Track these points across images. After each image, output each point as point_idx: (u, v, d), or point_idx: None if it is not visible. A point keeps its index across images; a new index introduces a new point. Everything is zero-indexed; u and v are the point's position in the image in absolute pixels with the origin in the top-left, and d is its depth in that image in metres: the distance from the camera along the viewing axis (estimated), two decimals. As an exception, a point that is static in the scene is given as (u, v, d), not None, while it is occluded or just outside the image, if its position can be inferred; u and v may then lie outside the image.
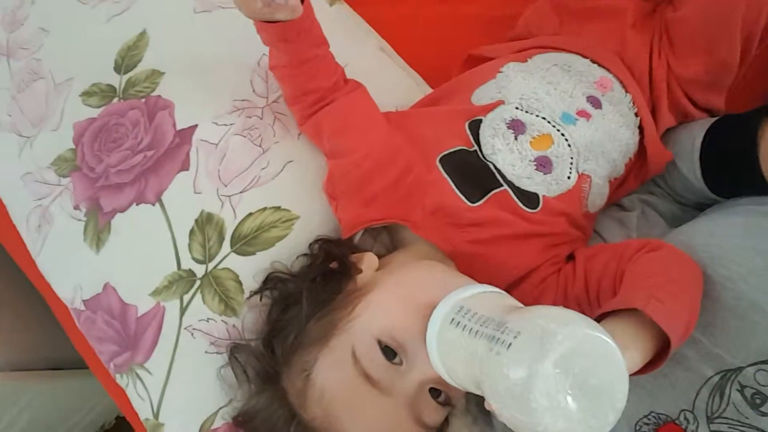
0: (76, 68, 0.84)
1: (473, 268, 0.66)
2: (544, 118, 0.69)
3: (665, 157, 0.75)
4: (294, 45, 0.67)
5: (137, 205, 0.76)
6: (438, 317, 0.51)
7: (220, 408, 0.70)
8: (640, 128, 0.74)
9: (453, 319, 0.49)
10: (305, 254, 0.72)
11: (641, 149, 0.75)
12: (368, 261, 0.66)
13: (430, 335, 0.51)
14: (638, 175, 0.77)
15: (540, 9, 0.83)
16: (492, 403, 0.45)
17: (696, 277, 0.59)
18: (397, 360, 0.56)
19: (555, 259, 0.68)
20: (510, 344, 0.42)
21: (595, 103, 0.72)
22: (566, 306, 0.64)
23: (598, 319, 0.55)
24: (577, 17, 0.80)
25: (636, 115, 0.74)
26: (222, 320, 0.71)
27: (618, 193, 0.77)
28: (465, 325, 0.48)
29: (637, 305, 0.52)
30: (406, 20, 0.96)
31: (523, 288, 0.67)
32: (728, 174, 0.71)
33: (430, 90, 0.88)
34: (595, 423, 0.42)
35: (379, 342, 0.56)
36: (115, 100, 0.81)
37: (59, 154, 0.81)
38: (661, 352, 0.53)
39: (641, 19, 0.78)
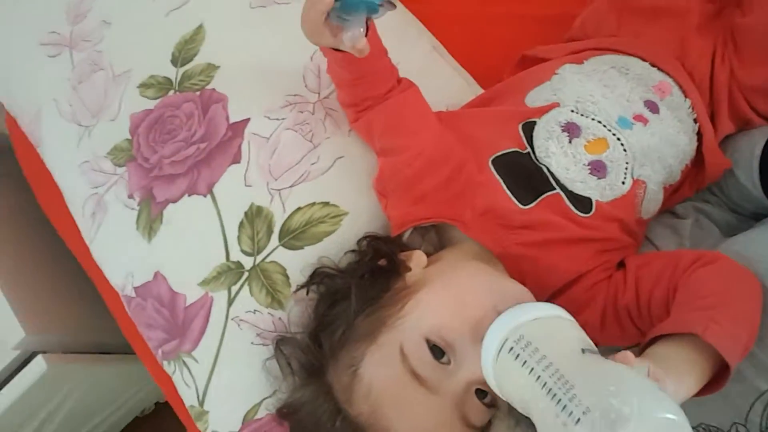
0: (135, 60, 0.86)
1: (522, 271, 0.65)
2: (599, 122, 0.68)
3: (723, 165, 0.73)
4: (355, 65, 0.67)
5: (189, 196, 0.77)
6: (495, 339, 0.50)
7: (264, 399, 0.71)
8: (699, 134, 0.73)
9: (512, 349, 0.48)
10: (353, 250, 0.72)
11: (698, 156, 0.73)
12: (417, 259, 0.66)
13: (485, 355, 0.50)
14: (694, 182, 0.75)
15: (598, 9, 0.82)
16: None
17: (755, 292, 0.58)
18: (445, 359, 0.56)
19: (606, 265, 0.67)
20: (578, 419, 0.40)
21: (653, 107, 0.70)
22: (617, 316, 0.63)
23: (653, 340, 0.54)
24: (637, 17, 0.78)
25: (695, 120, 0.72)
26: (268, 312, 0.72)
27: (672, 199, 0.75)
28: (525, 361, 0.46)
29: (696, 330, 0.51)
30: (459, 19, 0.96)
31: (573, 292, 0.66)
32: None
33: (481, 91, 0.87)
34: None
35: (428, 341, 0.56)
36: (171, 92, 0.83)
37: (116, 144, 0.83)
38: (718, 372, 0.51)
39: (705, 21, 0.76)
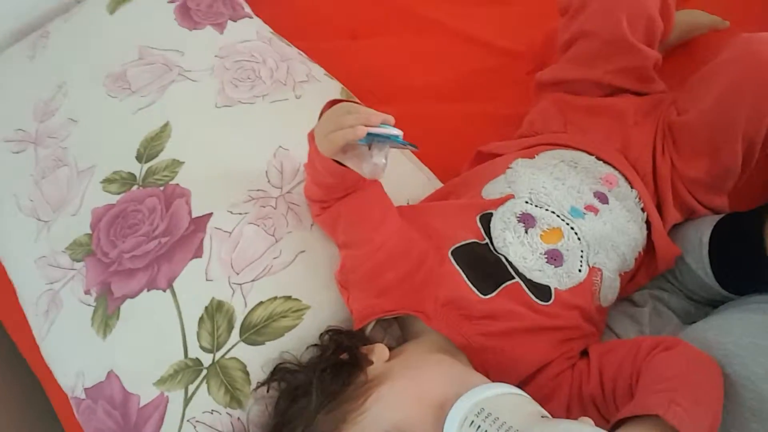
0: (100, 156, 0.87)
1: (486, 362, 0.65)
2: (553, 212, 0.71)
3: (673, 252, 0.75)
4: (348, 179, 0.69)
5: (148, 291, 0.76)
6: (456, 416, 0.50)
7: (221, 508, 0.67)
8: (648, 223, 0.76)
9: (473, 422, 0.48)
10: (315, 345, 0.71)
11: (650, 244, 0.76)
12: (379, 353, 0.65)
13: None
14: (648, 270, 0.77)
15: (545, 108, 0.87)
16: None
17: (715, 377, 0.58)
18: (407, 456, 0.54)
19: (568, 354, 0.67)
20: None
21: (602, 198, 0.74)
22: (582, 405, 0.63)
23: (617, 425, 0.54)
24: (580, 115, 0.84)
25: (642, 210, 0.75)
26: (227, 412, 0.69)
27: (629, 287, 0.77)
28: (486, 430, 0.46)
29: (658, 411, 0.51)
30: (418, 117, 1.00)
31: (537, 383, 0.66)
32: (738, 270, 0.71)
33: (440, 185, 0.90)
34: None
35: (390, 436, 0.54)
36: (135, 187, 0.83)
37: (75, 239, 0.82)
38: None
39: (642, 117, 0.82)
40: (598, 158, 0.78)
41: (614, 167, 0.77)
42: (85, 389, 0.75)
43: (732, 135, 0.74)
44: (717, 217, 0.76)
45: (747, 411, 0.58)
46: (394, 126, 0.64)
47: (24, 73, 1.00)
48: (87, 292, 0.79)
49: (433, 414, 0.53)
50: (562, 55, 0.89)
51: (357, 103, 0.68)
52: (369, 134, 0.62)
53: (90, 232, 0.82)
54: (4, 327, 0.97)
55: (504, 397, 0.51)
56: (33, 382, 0.91)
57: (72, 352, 0.79)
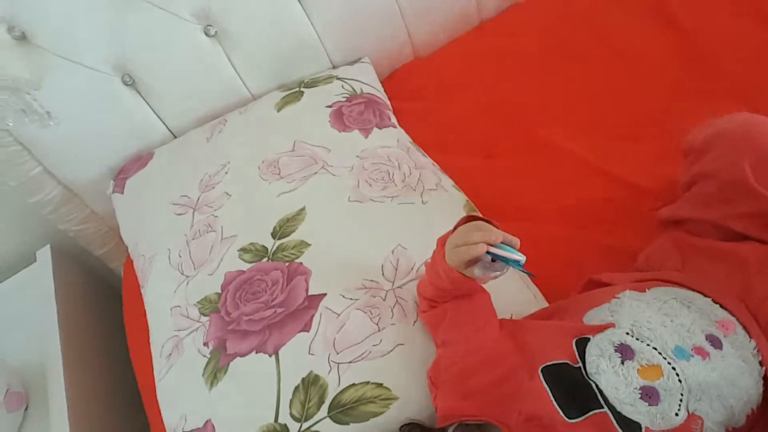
0: (242, 228, 0.99)
1: (562, 489, 0.63)
2: (654, 348, 0.69)
3: (795, 417, 0.69)
4: (464, 286, 0.75)
5: (256, 353, 0.83)
6: None
7: None
8: (766, 379, 0.70)
9: None
10: (395, 434, 0.73)
11: (767, 403, 0.70)
12: (454, 452, 0.65)
13: None
14: (765, 430, 0.71)
15: (662, 245, 0.86)
16: None
17: None
18: None
19: (654, 501, 0.62)
20: None
21: (716, 342, 0.70)
22: None
23: None
24: (699, 256, 0.81)
25: (761, 363, 0.70)
26: (304, 481, 0.72)
27: (740, 447, 0.71)
28: None
29: None
30: (536, 238, 1.02)
31: None
32: None
33: (546, 305, 0.91)
34: None
35: None
36: (265, 259, 0.93)
37: (207, 295, 0.93)
38: None
39: (766, 267, 0.78)
40: (715, 301, 0.75)
41: (732, 313, 0.74)
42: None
43: None
44: None
45: None
46: (519, 249, 0.68)
47: (199, 151, 1.18)
48: (206, 344, 0.88)
49: None
50: (683, 193, 0.89)
51: (488, 221, 0.73)
52: (490, 253, 0.67)
53: (220, 291, 0.92)
54: (133, 367, 1.09)
55: None
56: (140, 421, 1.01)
57: (181, 395, 0.87)
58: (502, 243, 0.68)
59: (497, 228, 0.71)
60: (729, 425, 0.68)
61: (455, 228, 0.74)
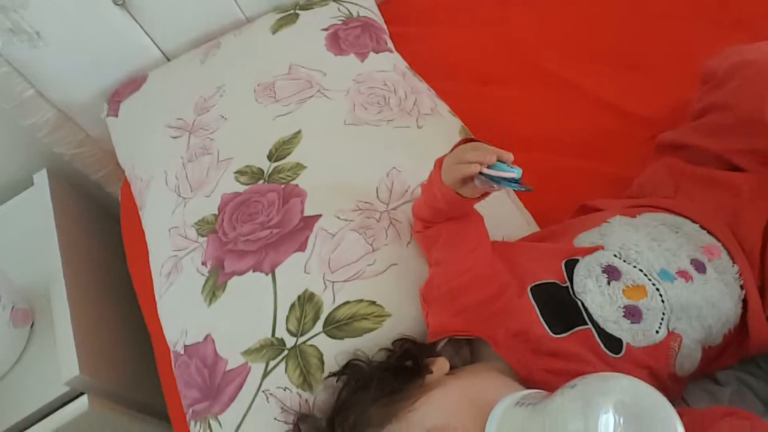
0: (238, 151, 0.99)
1: (544, 400, 0.66)
2: (641, 270, 0.71)
3: (769, 338, 0.72)
4: (459, 207, 0.75)
5: (253, 272, 0.85)
6: (503, 403, 0.53)
7: (273, 476, 0.73)
8: (745, 302, 0.73)
9: (518, 402, 0.51)
10: (386, 349, 0.76)
11: (744, 324, 0.73)
12: (440, 364, 0.69)
13: (492, 415, 0.53)
14: (738, 351, 0.74)
15: (656, 171, 0.87)
16: None
17: None
18: (446, 457, 0.57)
19: (631, 411, 0.66)
20: (575, 385, 0.44)
21: (699, 267, 0.72)
22: None
23: None
24: (693, 184, 0.82)
25: (741, 287, 0.73)
26: (297, 392, 0.76)
27: (714, 365, 0.74)
28: (530, 403, 0.50)
29: None
30: (531, 167, 1.02)
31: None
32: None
33: (538, 230, 0.93)
34: None
35: (432, 436, 0.57)
36: (261, 181, 0.94)
37: (204, 216, 0.94)
38: None
39: (760, 195, 0.78)
40: (703, 227, 0.77)
41: (718, 239, 0.76)
42: (185, 346, 0.85)
43: None
44: (824, 309, 0.72)
45: None
46: (513, 164, 0.67)
47: (193, 74, 1.16)
48: (204, 263, 0.90)
49: (480, 417, 0.55)
50: (692, 121, 0.89)
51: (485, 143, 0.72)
52: (484, 174, 0.67)
53: (217, 213, 0.94)
54: (134, 287, 1.12)
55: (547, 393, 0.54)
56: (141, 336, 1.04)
57: (181, 312, 0.90)
58: (497, 161, 0.67)
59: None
60: (706, 344, 0.71)
61: (452, 149, 0.74)
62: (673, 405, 0.71)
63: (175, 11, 1.22)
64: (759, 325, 0.72)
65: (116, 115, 1.20)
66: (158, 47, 1.25)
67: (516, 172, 0.66)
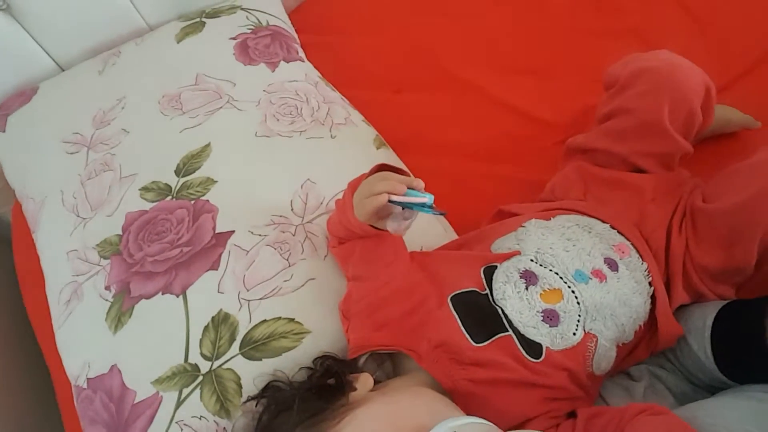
0: (142, 166, 0.94)
1: (469, 408, 0.65)
2: (556, 273, 0.72)
3: (676, 331, 0.75)
4: (376, 237, 0.75)
5: (162, 294, 0.80)
6: None
7: None
8: (653, 298, 0.76)
9: None
10: (307, 367, 0.73)
11: (653, 320, 0.76)
12: (364, 380, 0.67)
13: None
14: (649, 346, 0.77)
15: (567, 175, 0.89)
16: None
17: None
18: (372, 480, 0.55)
19: (554, 413, 0.67)
20: None
21: (612, 265, 0.74)
22: None
23: None
24: (600, 186, 0.85)
25: (650, 284, 0.76)
26: (214, 420, 0.72)
27: (627, 361, 0.77)
28: None
29: None
30: (445, 172, 1.04)
31: (518, 438, 0.65)
32: (739, 357, 0.71)
33: (455, 237, 0.93)
34: None
35: (358, 458, 0.56)
36: (169, 197, 0.89)
37: (106, 238, 0.88)
38: None
39: (661, 195, 0.82)
40: (612, 227, 0.79)
41: (627, 238, 0.78)
42: (88, 379, 0.79)
43: (751, 237, 0.73)
44: (723, 302, 0.76)
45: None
46: (424, 190, 0.67)
47: (91, 85, 1.09)
48: (107, 288, 0.83)
49: None
50: (598, 125, 0.92)
51: (399, 170, 0.72)
52: (393, 202, 0.66)
53: (121, 233, 0.88)
54: (29, 318, 1.02)
55: (475, 425, 0.53)
56: (41, 372, 0.96)
57: (83, 342, 0.83)
58: (408, 189, 0.67)
59: (409, 175, 0.71)
60: (620, 341, 0.73)
61: (367, 175, 0.72)
62: (592, 403, 0.74)
63: (66, 17, 1.14)
64: (666, 321, 0.75)
65: (3, 130, 1.10)
66: (50, 56, 1.16)
67: (428, 198, 0.66)
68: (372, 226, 0.71)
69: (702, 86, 0.82)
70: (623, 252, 0.77)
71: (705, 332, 0.74)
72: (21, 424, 1.04)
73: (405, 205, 0.67)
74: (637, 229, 0.80)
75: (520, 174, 1.03)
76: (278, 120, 0.98)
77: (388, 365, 0.76)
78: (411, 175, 0.73)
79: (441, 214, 0.68)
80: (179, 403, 0.73)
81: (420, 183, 0.67)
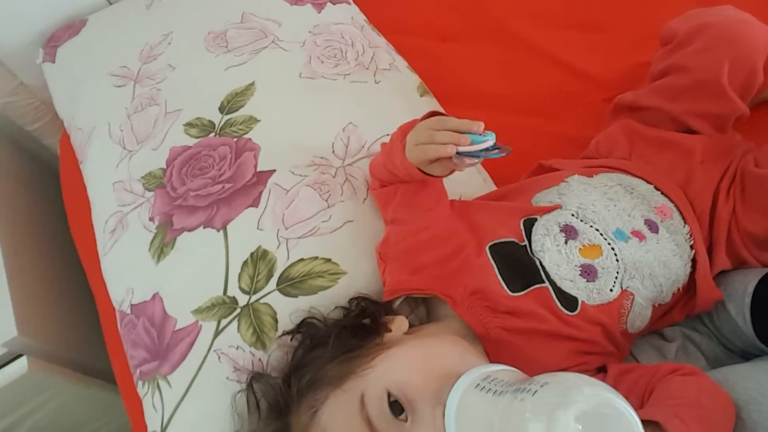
0: (187, 102, 0.94)
1: (501, 356, 0.66)
2: (597, 230, 0.71)
3: (715, 296, 0.74)
4: (422, 181, 0.72)
5: (204, 228, 0.81)
6: (464, 382, 0.52)
7: (226, 435, 0.71)
8: (694, 262, 0.75)
9: (478, 385, 0.50)
10: (343, 307, 0.74)
11: (691, 283, 0.75)
12: (399, 323, 0.68)
13: (452, 396, 0.52)
14: (685, 308, 0.76)
15: (612, 133, 0.87)
16: None
17: (727, 412, 0.58)
18: (402, 417, 0.56)
19: (584, 366, 0.67)
20: (536, 392, 0.43)
21: (653, 227, 0.73)
22: None
23: None
24: (647, 146, 0.83)
25: (691, 247, 0.74)
26: (250, 351, 0.74)
27: (661, 321, 0.76)
28: (490, 389, 0.48)
29: (659, 419, 0.51)
30: (486, 126, 1.02)
31: (547, 388, 0.66)
32: (778, 325, 0.70)
33: (494, 188, 0.92)
34: None
35: (390, 394, 0.57)
36: (212, 134, 0.90)
37: (151, 171, 0.90)
38: None
39: (712, 158, 0.80)
40: (656, 188, 0.78)
41: (671, 200, 0.77)
42: (132, 305, 0.82)
43: None
44: (766, 270, 0.74)
45: (752, 457, 0.58)
46: (484, 130, 0.63)
47: (138, 19, 1.09)
48: (151, 219, 0.85)
49: (436, 382, 0.55)
50: (651, 83, 0.89)
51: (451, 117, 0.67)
52: (462, 153, 0.63)
53: (165, 167, 0.89)
54: (75, 244, 1.06)
55: (509, 371, 0.54)
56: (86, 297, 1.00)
57: (127, 270, 0.86)
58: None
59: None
60: (656, 302, 0.73)
61: (418, 121, 0.71)
62: (623, 360, 0.74)
63: (117, -50, 1.14)
64: (706, 285, 0.74)
65: (53, 61, 1.12)
66: (98, -11, 1.17)
67: (490, 138, 0.63)
68: (419, 170, 0.69)
69: (767, 45, 0.78)
70: (665, 214, 0.75)
71: (745, 298, 0.72)
72: (67, 346, 1.10)
73: (472, 155, 0.64)
74: (682, 191, 0.78)
75: (564, 130, 1.01)
76: (323, 62, 0.97)
77: (422, 310, 0.77)
78: None
79: (508, 151, 0.63)
80: (217, 333, 0.75)
81: (480, 125, 0.63)
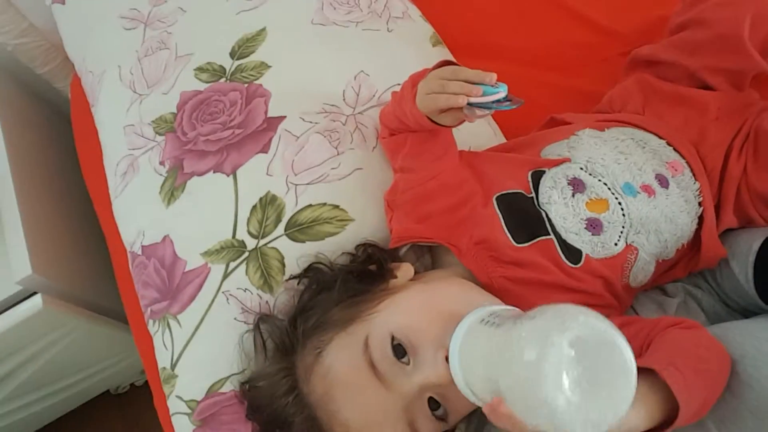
0: (198, 46, 0.94)
1: (503, 305, 0.67)
2: (605, 184, 0.71)
3: (719, 253, 0.74)
4: (432, 131, 0.72)
5: (214, 173, 0.82)
6: (468, 320, 0.53)
7: (232, 375, 0.74)
8: (701, 219, 0.75)
9: (483, 319, 0.52)
10: (350, 253, 0.75)
11: (697, 239, 0.75)
12: (405, 270, 0.69)
13: (456, 334, 0.53)
14: (688, 265, 0.77)
15: (626, 87, 0.86)
16: (502, 385, 0.46)
17: (723, 364, 0.59)
18: (405, 359, 0.58)
19: (584, 317, 0.68)
20: (534, 317, 0.44)
21: (663, 182, 0.73)
22: None
23: None
24: (661, 101, 0.82)
25: (700, 204, 0.74)
26: (258, 294, 0.75)
27: (664, 277, 0.77)
28: (494, 323, 0.50)
29: (654, 366, 0.52)
30: (499, 78, 1.01)
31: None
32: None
33: (504, 141, 0.92)
34: (594, 418, 0.43)
35: (393, 338, 0.58)
36: (222, 80, 0.89)
37: (161, 115, 0.90)
38: (669, 421, 0.52)
39: (727, 115, 0.79)
40: (669, 144, 0.77)
41: (683, 156, 0.76)
42: (143, 246, 0.83)
43: None
44: (773, 229, 0.74)
45: (746, 409, 0.59)
46: (497, 81, 0.62)
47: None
48: (162, 163, 0.86)
49: (441, 325, 0.57)
50: (669, 37, 0.87)
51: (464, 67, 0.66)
52: (474, 104, 0.62)
53: (175, 111, 0.89)
54: (87, 187, 1.08)
55: (515, 311, 0.55)
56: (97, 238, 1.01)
57: (138, 212, 0.87)
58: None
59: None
60: (660, 257, 0.73)
61: (429, 70, 0.70)
62: (623, 313, 0.75)
63: None
64: (711, 242, 0.75)
65: (63, 2, 1.11)
66: (109, -71, 1.15)
67: (503, 90, 0.62)
68: (429, 119, 0.69)
69: None
70: (676, 170, 0.75)
71: (750, 257, 0.73)
72: (80, 285, 1.12)
73: (483, 106, 0.63)
74: (695, 147, 0.78)
75: (578, 84, 1.00)
76: (335, 9, 0.96)
77: (428, 258, 0.78)
78: None
79: (520, 103, 0.62)
80: (226, 275, 0.77)
81: (492, 76, 0.62)
